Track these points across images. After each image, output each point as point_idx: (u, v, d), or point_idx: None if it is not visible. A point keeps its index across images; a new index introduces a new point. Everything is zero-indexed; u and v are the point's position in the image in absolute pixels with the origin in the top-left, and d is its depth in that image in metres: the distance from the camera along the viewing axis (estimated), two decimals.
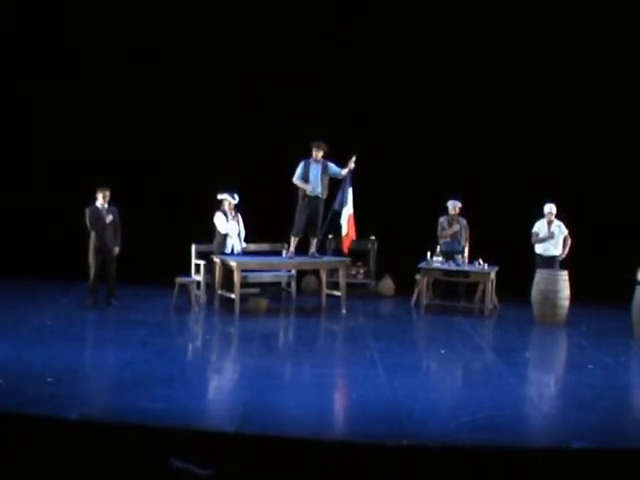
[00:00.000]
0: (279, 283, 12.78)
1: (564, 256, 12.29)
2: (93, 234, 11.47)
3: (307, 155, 11.80)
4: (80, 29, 13.49)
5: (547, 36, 13.34)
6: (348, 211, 12.40)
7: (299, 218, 11.84)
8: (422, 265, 12.20)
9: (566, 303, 11.57)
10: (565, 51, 13.37)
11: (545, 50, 13.38)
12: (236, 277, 11.43)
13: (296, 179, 11.79)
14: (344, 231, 12.43)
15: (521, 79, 13.48)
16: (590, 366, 9.11)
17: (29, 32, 13.58)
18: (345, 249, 12.64)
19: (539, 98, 13.49)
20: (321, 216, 11.92)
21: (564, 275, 11.63)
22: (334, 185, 12.13)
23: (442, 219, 12.66)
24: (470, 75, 13.59)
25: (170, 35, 13.53)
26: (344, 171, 11.95)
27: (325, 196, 11.91)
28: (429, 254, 12.28)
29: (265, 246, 12.70)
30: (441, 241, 12.59)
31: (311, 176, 11.75)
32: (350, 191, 12.31)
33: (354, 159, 11.86)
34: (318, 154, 11.77)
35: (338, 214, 12.42)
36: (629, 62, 13.32)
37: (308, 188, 11.68)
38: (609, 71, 13.37)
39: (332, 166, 11.89)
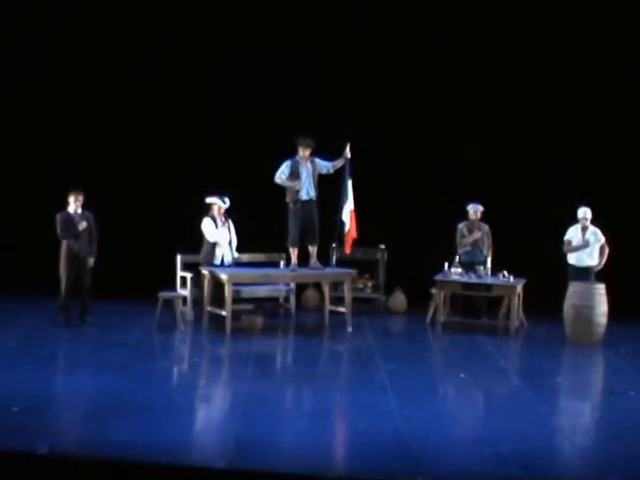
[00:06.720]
0: (276, 298, 12.82)
1: (601, 267, 12.31)
2: (65, 243, 11.53)
3: (292, 153, 11.82)
4: (66, 33, 13.66)
5: (571, 36, 13.40)
6: (349, 207, 12.44)
7: (293, 225, 11.85)
8: (439, 277, 12.24)
9: (603, 320, 11.58)
10: (595, 50, 13.42)
11: (573, 49, 13.43)
12: (227, 292, 11.46)
13: (283, 179, 11.75)
14: (346, 229, 12.45)
15: (548, 75, 13.52)
16: (631, 393, 9.12)
17: (25, 31, 13.75)
18: (347, 249, 12.64)
19: (571, 92, 13.51)
20: (316, 221, 11.95)
21: (601, 289, 11.65)
22: (327, 182, 12.18)
23: (461, 225, 12.70)
24: (490, 71, 13.64)
25: (154, 37, 13.64)
26: (337, 162, 11.99)
27: (316, 197, 11.95)
28: (447, 265, 12.33)
29: (260, 256, 12.75)
30: (460, 250, 12.63)
31: (303, 177, 11.78)
32: (350, 184, 12.33)
33: (348, 148, 11.88)
34: (306, 152, 11.75)
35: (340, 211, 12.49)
36: None
37: (297, 185, 11.67)
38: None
39: (320, 162, 11.90)
